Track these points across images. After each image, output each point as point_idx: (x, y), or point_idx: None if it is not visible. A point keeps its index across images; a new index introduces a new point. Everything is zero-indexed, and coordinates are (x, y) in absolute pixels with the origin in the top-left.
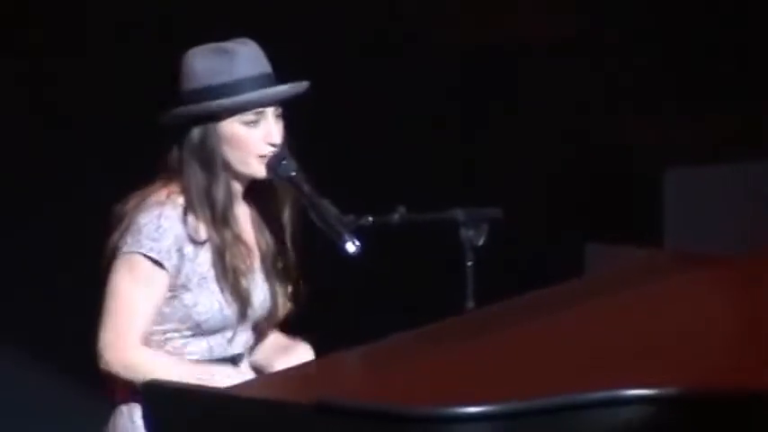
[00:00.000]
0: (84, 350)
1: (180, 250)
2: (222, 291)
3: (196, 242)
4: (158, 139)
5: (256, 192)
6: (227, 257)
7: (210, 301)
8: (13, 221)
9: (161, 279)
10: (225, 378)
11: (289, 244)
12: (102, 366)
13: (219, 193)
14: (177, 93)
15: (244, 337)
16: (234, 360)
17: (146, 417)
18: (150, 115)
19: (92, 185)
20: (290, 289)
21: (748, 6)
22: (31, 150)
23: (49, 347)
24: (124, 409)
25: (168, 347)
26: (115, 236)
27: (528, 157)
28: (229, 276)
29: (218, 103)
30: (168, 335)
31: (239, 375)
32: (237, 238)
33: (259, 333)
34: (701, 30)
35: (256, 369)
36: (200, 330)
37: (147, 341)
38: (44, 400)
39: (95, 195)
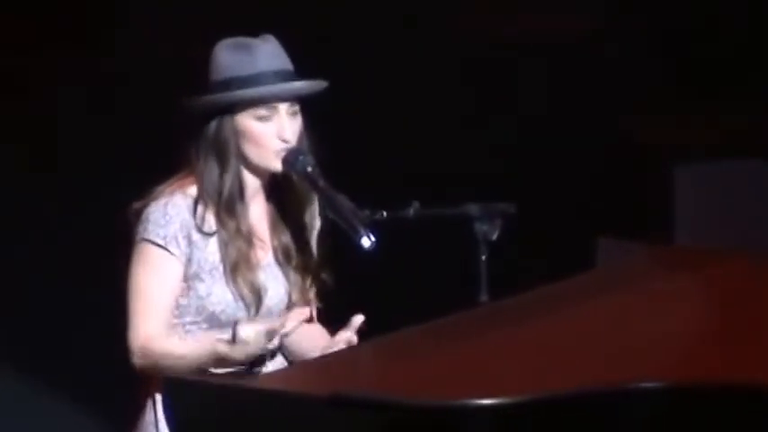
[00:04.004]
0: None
1: (188, 237)
2: (232, 282)
3: (204, 232)
4: (179, 137)
5: (279, 188)
6: (230, 250)
7: (223, 291)
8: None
9: (171, 265)
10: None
11: (312, 241)
12: (133, 363)
13: (227, 184)
14: (205, 84)
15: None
16: (260, 358)
17: (166, 410)
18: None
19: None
20: (308, 284)
21: (762, 4)
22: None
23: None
24: (150, 403)
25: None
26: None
27: (540, 153)
28: (231, 268)
29: (230, 95)
30: (188, 327)
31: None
32: (241, 231)
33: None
34: (714, 26)
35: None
36: (217, 322)
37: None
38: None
39: (113, 196)
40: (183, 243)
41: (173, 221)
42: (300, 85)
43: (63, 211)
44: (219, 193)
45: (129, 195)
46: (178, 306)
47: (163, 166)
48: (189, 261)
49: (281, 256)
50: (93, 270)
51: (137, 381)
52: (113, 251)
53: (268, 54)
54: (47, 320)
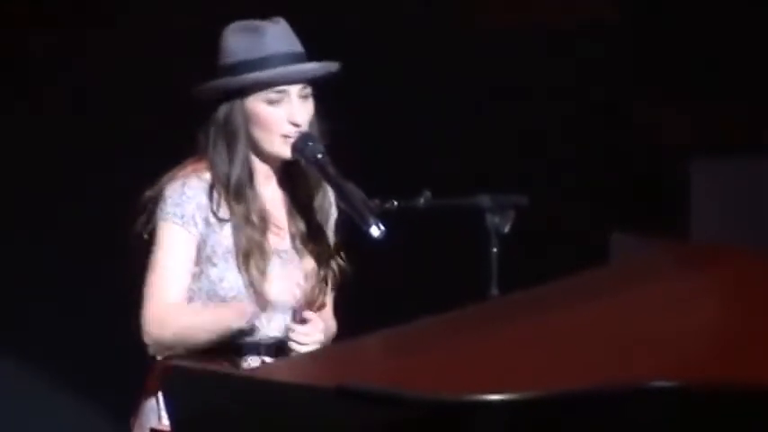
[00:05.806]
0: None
1: (205, 219)
2: (244, 269)
3: (219, 218)
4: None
5: (293, 175)
6: (241, 237)
7: (236, 277)
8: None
9: (187, 242)
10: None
11: (327, 227)
12: (148, 343)
13: (236, 171)
14: (214, 69)
15: (280, 319)
16: (270, 347)
17: (166, 398)
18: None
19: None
20: (323, 270)
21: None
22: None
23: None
24: (152, 389)
25: None
26: (143, 218)
27: (554, 146)
28: (243, 255)
29: (240, 78)
30: None
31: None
32: (251, 217)
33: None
34: (731, 20)
35: None
36: None
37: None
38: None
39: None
40: (200, 223)
41: (190, 201)
42: (312, 67)
43: (63, 208)
44: (228, 179)
45: (132, 186)
46: (189, 290)
47: (167, 154)
48: (204, 242)
49: (298, 243)
50: (94, 259)
51: (138, 367)
52: (114, 242)
53: (278, 36)
54: (47, 311)
